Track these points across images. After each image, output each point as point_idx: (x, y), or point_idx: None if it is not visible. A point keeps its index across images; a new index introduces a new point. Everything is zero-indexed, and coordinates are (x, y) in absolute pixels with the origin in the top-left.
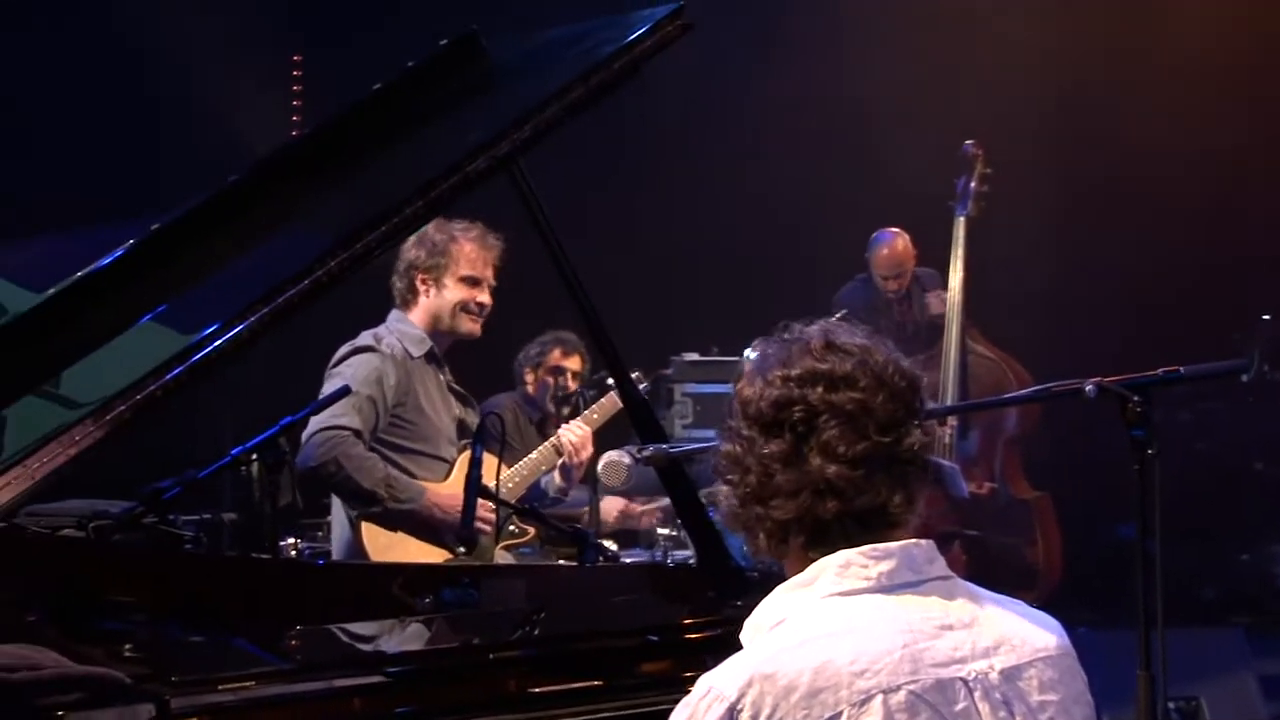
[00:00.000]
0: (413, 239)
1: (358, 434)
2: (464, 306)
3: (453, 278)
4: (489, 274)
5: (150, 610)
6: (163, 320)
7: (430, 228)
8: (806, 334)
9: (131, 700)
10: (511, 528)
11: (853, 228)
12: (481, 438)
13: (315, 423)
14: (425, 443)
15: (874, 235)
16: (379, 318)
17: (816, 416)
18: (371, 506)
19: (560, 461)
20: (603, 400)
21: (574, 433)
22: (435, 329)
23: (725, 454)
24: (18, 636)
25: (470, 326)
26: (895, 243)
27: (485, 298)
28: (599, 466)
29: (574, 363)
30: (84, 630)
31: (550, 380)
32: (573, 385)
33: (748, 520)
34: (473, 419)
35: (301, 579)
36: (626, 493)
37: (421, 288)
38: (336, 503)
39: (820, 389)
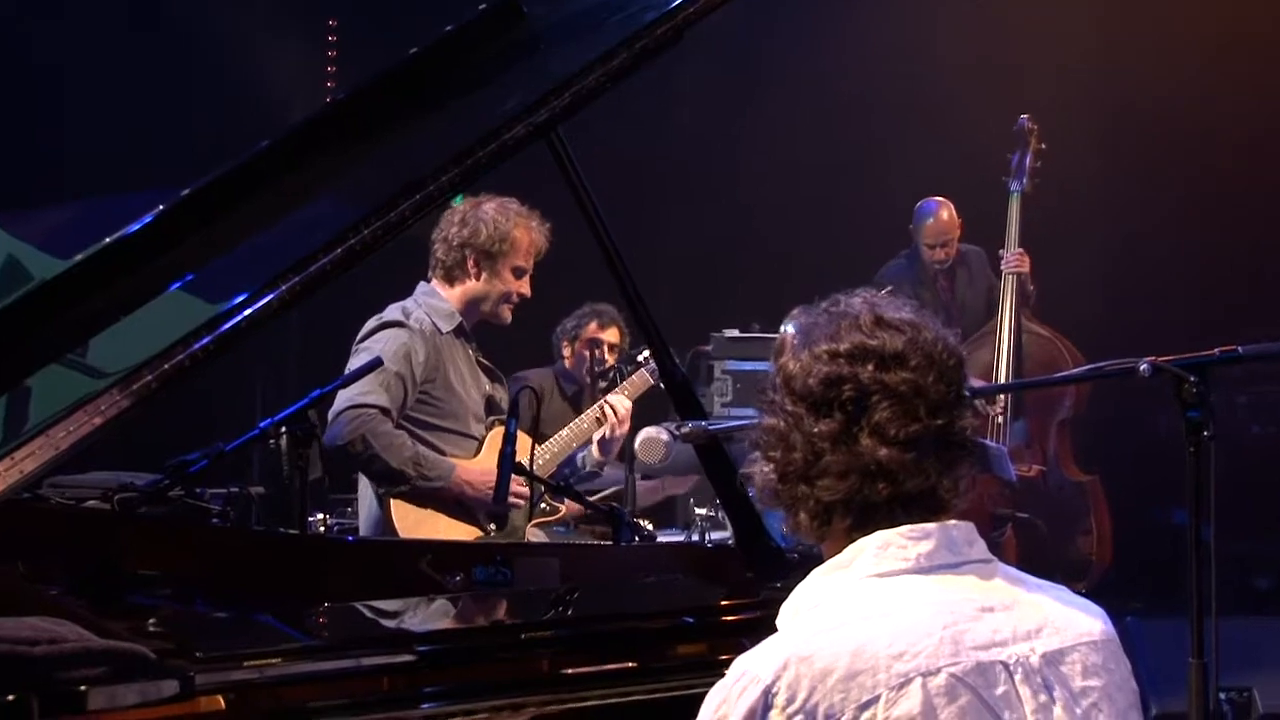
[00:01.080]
0: (469, 215)
1: (385, 412)
2: (507, 297)
3: (508, 266)
4: (532, 264)
5: (176, 585)
6: (191, 289)
7: (491, 210)
8: (852, 307)
9: (156, 676)
10: (543, 505)
11: (897, 202)
12: (515, 412)
13: (342, 400)
14: (454, 420)
15: (919, 205)
16: (412, 289)
17: (868, 396)
18: (400, 485)
19: (600, 433)
20: (633, 378)
21: (621, 404)
22: (470, 309)
23: (768, 428)
24: (41, 609)
25: (508, 316)
26: (941, 212)
27: (528, 289)
28: (636, 443)
29: (611, 335)
30: (108, 604)
31: (587, 353)
32: (610, 359)
33: (789, 498)
34: (502, 395)
35: (329, 555)
36: (663, 470)
37: (473, 269)
38: (364, 478)
39: (871, 367)
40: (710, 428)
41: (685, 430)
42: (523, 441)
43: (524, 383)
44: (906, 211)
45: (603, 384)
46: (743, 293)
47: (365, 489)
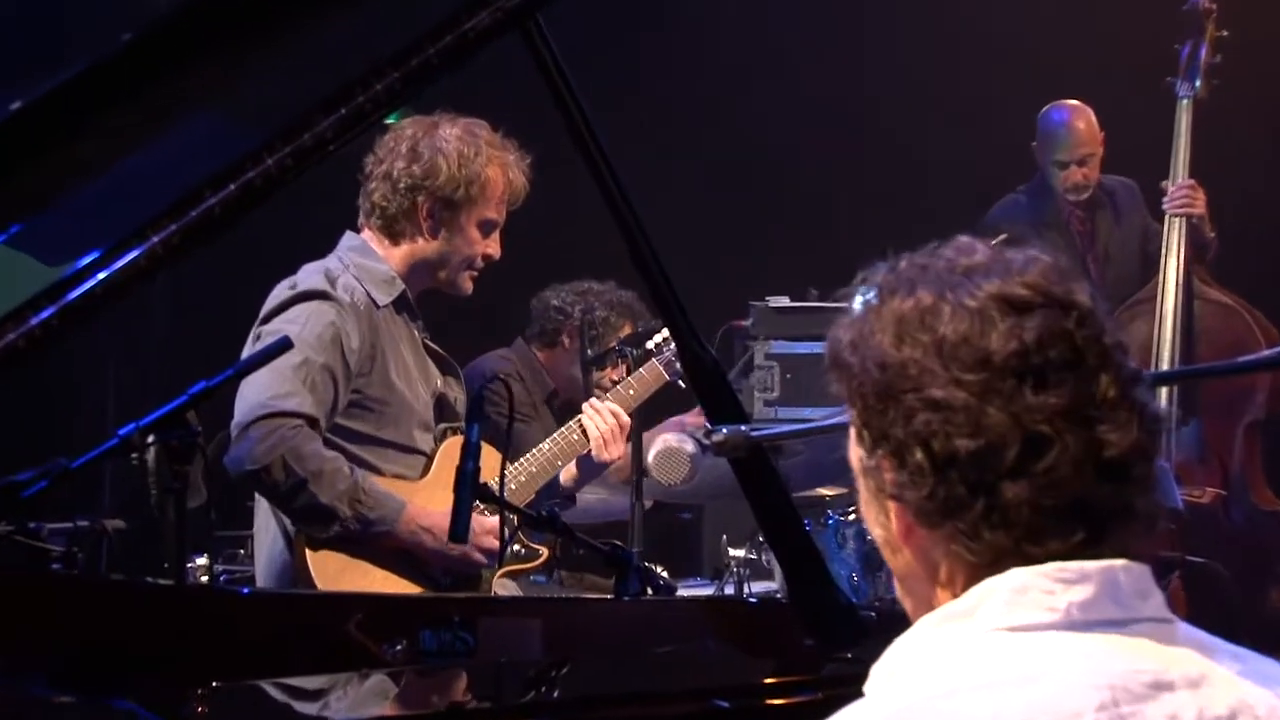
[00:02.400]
0: (421, 144)
1: (313, 423)
2: (470, 261)
3: (475, 219)
4: (505, 214)
5: (3, 656)
6: (20, 243)
7: (454, 139)
8: (975, 250)
9: None
10: (517, 546)
11: (993, 131)
12: (478, 415)
13: (251, 405)
14: (394, 428)
15: (1043, 113)
16: (332, 243)
17: (1082, 360)
18: (329, 527)
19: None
20: (642, 371)
21: (600, 417)
22: (417, 274)
23: (940, 402)
24: None
25: (469, 285)
26: (1075, 119)
27: (497, 249)
28: (650, 457)
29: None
30: None
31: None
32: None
33: (951, 505)
34: (458, 392)
35: (220, 614)
36: (686, 495)
37: (426, 221)
38: (263, 506)
39: (1073, 322)
40: (754, 435)
41: (718, 439)
42: (489, 457)
43: (488, 373)
44: (1005, 151)
45: (597, 373)
46: (791, 248)
47: (266, 522)
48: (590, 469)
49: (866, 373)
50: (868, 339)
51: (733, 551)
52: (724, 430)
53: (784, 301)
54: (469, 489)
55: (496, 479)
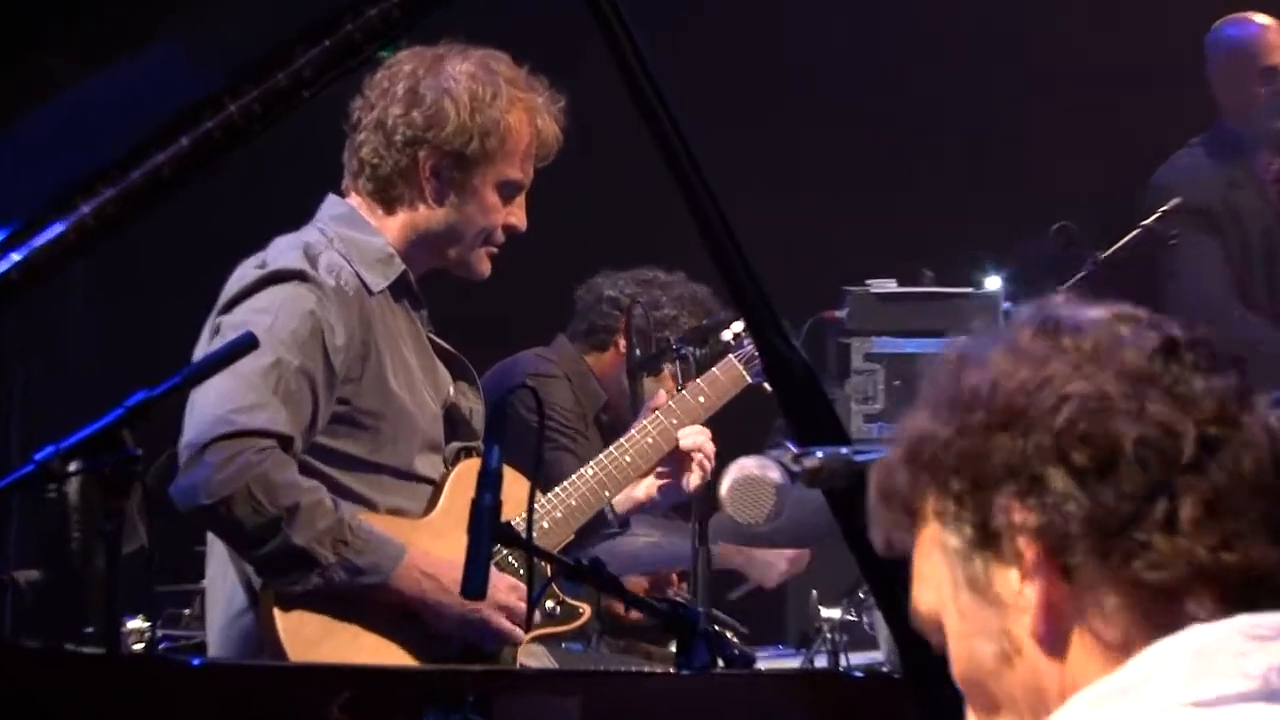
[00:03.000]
0: (424, 83)
1: (285, 442)
2: (487, 234)
3: (493, 180)
4: (532, 173)
5: None
6: None
7: (465, 76)
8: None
9: None
10: (552, 604)
11: (1125, 94)
12: (500, 433)
13: (205, 420)
14: (392, 449)
15: (1220, 30)
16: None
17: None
18: (306, 579)
19: (666, 471)
20: (716, 372)
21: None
22: (421, 251)
23: (1087, 395)
24: None
25: (485, 267)
26: (1265, 33)
27: (522, 219)
28: (723, 489)
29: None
30: None
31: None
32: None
33: (1123, 517)
34: (473, 402)
35: (158, 691)
36: (772, 536)
37: (430, 183)
38: (219, 551)
39: None
40: (858, 459)
41: (811, 465)
42: (513, 487)
43: (514, 378)
44: (1136, 99)
45: (650, 377)
46: (899, 220)
47: (223, 572)
48: (671, 495)
49: (964, 425)
50: (956, 391)
51: (825, 612)
52: (818, 454)
53: (890, 286)
54: (488, 529)
55: (523, 516)
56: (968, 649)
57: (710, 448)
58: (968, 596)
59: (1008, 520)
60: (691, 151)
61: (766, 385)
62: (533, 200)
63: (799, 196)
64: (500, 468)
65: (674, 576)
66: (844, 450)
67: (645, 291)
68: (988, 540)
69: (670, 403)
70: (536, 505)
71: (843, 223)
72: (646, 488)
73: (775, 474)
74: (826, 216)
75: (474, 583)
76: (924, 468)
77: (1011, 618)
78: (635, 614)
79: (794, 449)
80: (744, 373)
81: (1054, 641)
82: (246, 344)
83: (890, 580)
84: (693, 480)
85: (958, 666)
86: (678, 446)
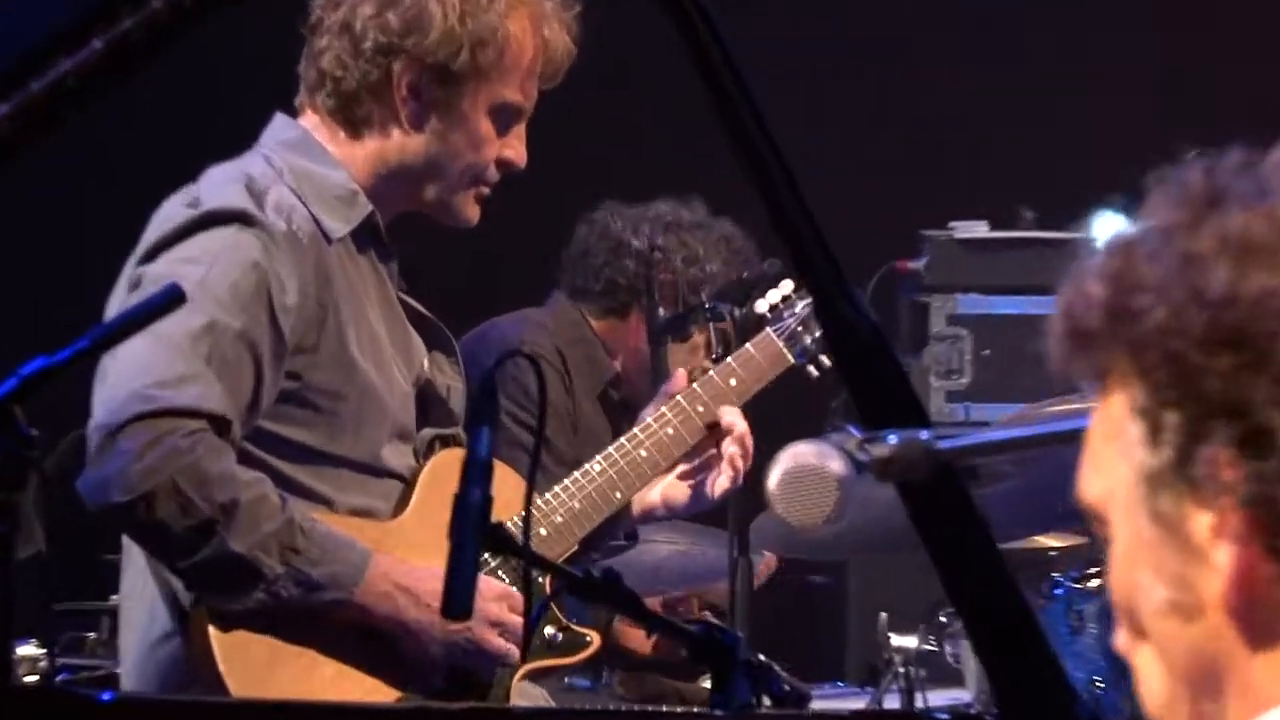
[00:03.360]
0: None
1: (221, 425)
2: (476, 171)
3: (486, 102)
4: (536, 95)
5: None
6: None
7: None
8: None
9: None
10: (550, 629)
11: None
12: (490, 414)
13: (120, 395)
14: (354, 435)
15: None
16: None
17: None
18: (248, 594)
19: (693, 468)
20: (750, 349)
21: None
22: (393, 189)
23: None
24: None
25: (473, 211)
26: None
27: (521, 152)
28: (771, 483)
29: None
30: None
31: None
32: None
33: None
34: (452, 377)
35: None
36: (830, 543)
37: (405, 102)
38: (137, 559)
39: None
40: (942, 447)
41: (882, 453)
42: (505, 482)
43: (508, 344)
44: None
45: (674, 340)
46: (988, 151)
47: (142, 585)
48: (701, 498)
49: (1183, 319)
50: (1181, 271)
51: (898, 640)
52: (891, 439)
53: (979, 230)
54: (475, 532)
55: (518, 518)
56: (1132, 576)
57: (748, 439)
58: (1147, 524)
59: (1212, 473)
60: (736, 66)
61: (811, 368)
62: (535, 130)
63: (864, 120)
64: (490, 457)
65: (692, 601)
66: (923, 435)
67: (674, 239)
68: (1188, 473)
69: (695, 386)
70: (534, 507)
71: (919, 152)
72: (663, 490)
73: (837, 464)
74: (899, 145)
75: (458, 598)
76: (1131, 341)
77: (1198, 571)
78: (653, 640)
79: (858, 434)
80: (785, 351)
81: (1254, 625)
82: (172, 299)
83: (984, 600)
84: (720, 483)
85: (1115, 585)
86: (706, 437)
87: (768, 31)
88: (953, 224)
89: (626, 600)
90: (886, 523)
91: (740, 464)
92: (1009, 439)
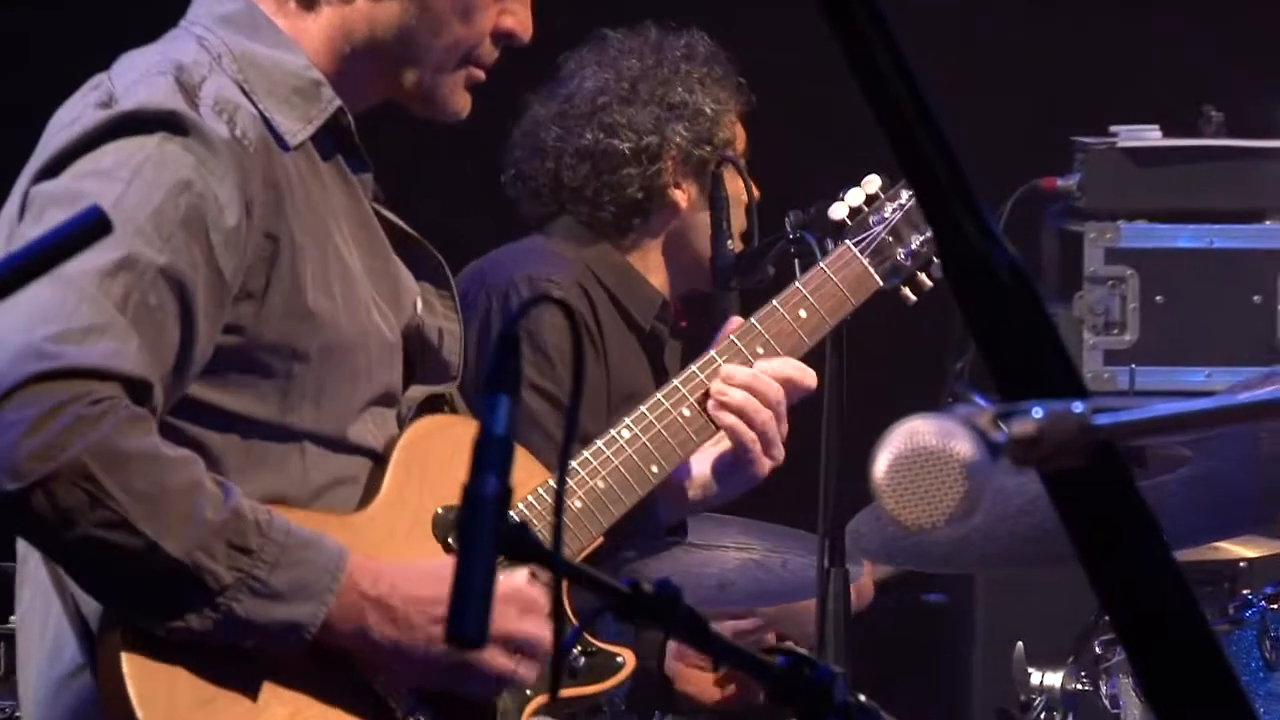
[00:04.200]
0: None
1: (141, 390)
2: (467, 47)
3: None
4: None
5: None
6: None
7: None
8: None
9: None
10: (578, 650)
11: None
12: (507, 376)
13: (6, 355)
14: (314, 405)
15: None
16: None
17: None
18: (187, 614)
19: (718, 442)
20: (825, 268)
21: (735, 384)
22: (359, 70)
23: None
24: None
25: (463, 101)
26: None
27: (525, 21)
28: (878, 470)
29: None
30: None
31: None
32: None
33: None
34: (446, 319)
35: None
36: (957, 545)
37: None
38: (36, 572)
39: None
40: (1106, 423)
41: (1023, 430)
42: (525, 469)
43: (521, 283)
44: None
45: (734, 285)
46: (1154, 35)
47: (44, 601)
48: (733, 481)
49: None
50: None
51: (1039, 676)
52: (1036, 413)
53: (1150, 136)
54: (489, 534)
55: (523, 505)
56: None
57: (754, 406)
58: None
59: None
60: None
61: (907, 291)
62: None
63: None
64: (508, 435)
65: (767, 629)
66: (1078, 407)
67: (701, 125)
68: None
69: (754, 321)
70: (541, 490)
71: (1068, 34)
72: (699, 464)
73: (965, 446)
74: (1041, 23)
75: (468, 618)
76: None
77: None
78: (720, 678)
79: (989, 406)
80: (871, 270)
81: None
82: (91, 224)
83: (1155, 626)
84: (750, 463)
85: None
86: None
87: None
88: (1115, 128)
89: (689, 623)
90: (1023, 524)
91: (747, 436)
92: (1190, 413)
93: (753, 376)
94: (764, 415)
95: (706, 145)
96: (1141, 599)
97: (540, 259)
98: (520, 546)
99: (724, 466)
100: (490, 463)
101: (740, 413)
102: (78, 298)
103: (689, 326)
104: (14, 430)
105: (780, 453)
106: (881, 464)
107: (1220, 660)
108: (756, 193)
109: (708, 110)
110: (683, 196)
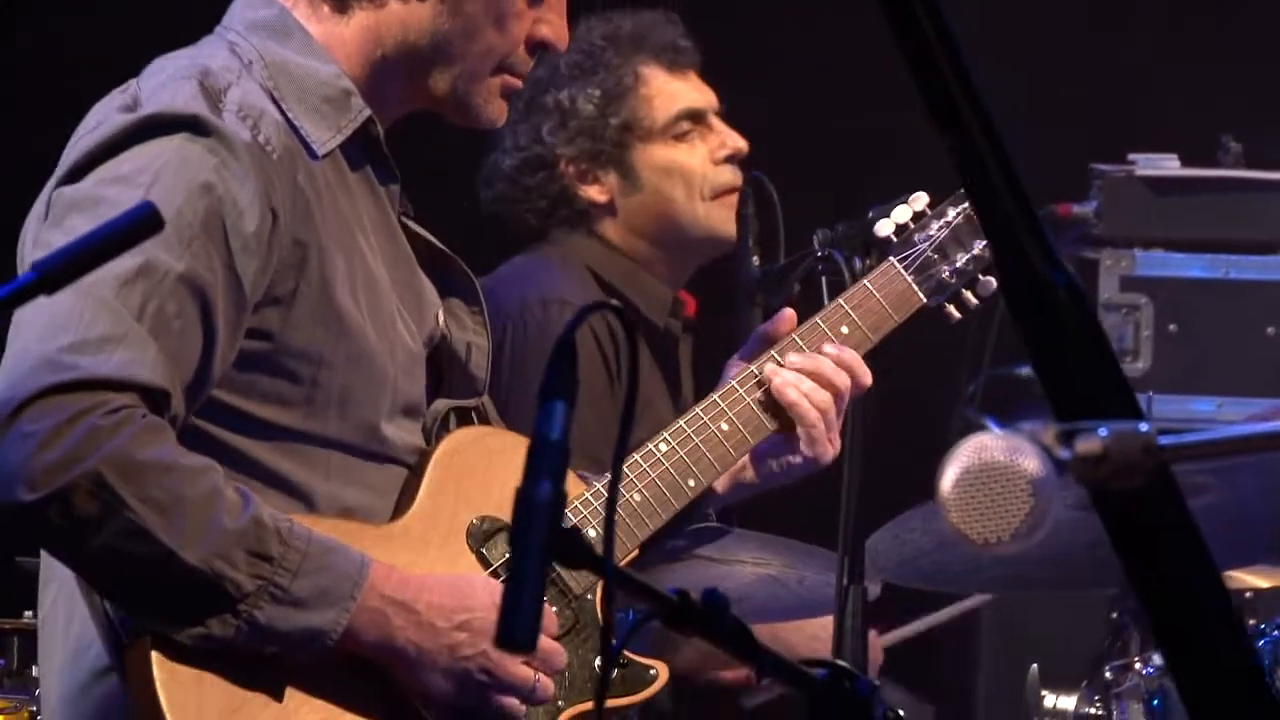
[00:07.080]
0: None
1: (159, 400)
2: (499, 55)
3: None
4: None
5: None
6: None
7: None
8: None
9: None
10: (623, 659)
11: None
12: (564, 382)
13: (23, 365)
14: (340, 414)
15: None
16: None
17: None
18: (209, 623)
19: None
20: (868, 286)
21: (795, 374)
22: (391, 78)
23: None
24: None
25: (499, 109)
26: None
27: (560, 28)
28: (945, 484)
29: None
30: None
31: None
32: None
33: None
34: (474, 333)
35: None
36: (1018, 564)
37: None
38: (62, 579)
39: None
40: (1169, 443)
41: (1089, 447)
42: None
43: (543, 293)
44: None
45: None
46: (1179, 65)
47: (67, 608)
48: (791, 467)
49: None
50: None
51: (1053, 699)
52: (1102, 433)
53: (1168, 165)
54: (541, 539)
55: (570, 519)
56: None
57: (821, 395)
58: None
59: None
60: None
61: (952, 309)
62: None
63: (1020, 18)
64: (565, 441)
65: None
66: (1143, 428)
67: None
68: None
69: (794, 336)
70: (577, 504)
71: (1090, 63)
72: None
73: (1033, 463)
74: (1063, 54)
75: (520, 623)
76: None
77: None
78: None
79: (1050, 425)
80: (914, 287)
81: None
82: (142, 220)
83: (1207, 652)
84: (812, 443)
85: None
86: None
87: None
88: (1133, 157)
89: (735, 633)
90: (1038, 548)
91: (825, 414)
92: (1256, 435)
93: (821, 359)
94: (826, 397)
95: (602, 136)
96: (1196, 624)
97: (548, 277)
98: (573, 551)
99: (778, 455)
100: (545, 468)
101: (808, 394)
102: (95, 307)
103: (699, 320)
104: (30, 442)
105: (839, 441)
106: (949, 478)
107: (1265, 688)
108: (775, 198)
109: (583, 106)
110: (599, 190)
